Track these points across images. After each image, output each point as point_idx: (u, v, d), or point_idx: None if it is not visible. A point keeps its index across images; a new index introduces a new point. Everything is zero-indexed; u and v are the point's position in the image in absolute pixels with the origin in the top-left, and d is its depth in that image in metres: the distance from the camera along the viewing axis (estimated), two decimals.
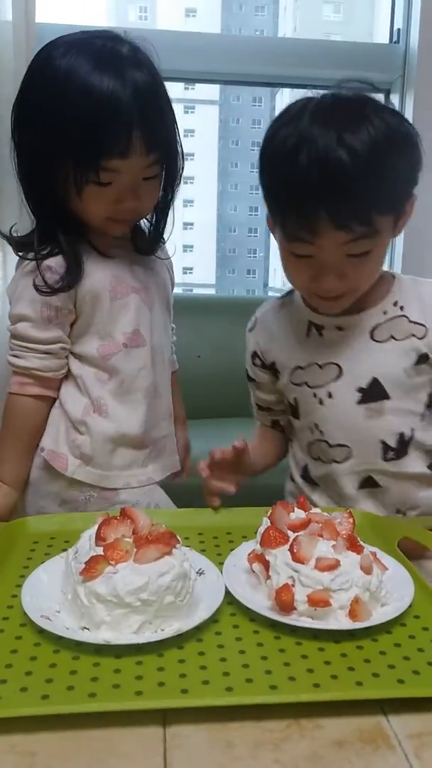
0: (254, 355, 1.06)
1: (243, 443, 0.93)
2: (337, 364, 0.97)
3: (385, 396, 0.95)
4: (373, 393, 0.94)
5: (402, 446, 0.97)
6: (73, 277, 0.95)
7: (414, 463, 0.98)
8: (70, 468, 1.00)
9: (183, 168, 1.00)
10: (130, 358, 1.01)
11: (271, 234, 0.94)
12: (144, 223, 1.07)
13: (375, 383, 0.95)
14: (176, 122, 0.96)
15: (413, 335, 0.94)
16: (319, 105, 0.83)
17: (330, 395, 0.97)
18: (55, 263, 0.95)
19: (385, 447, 0.96)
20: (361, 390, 0.96)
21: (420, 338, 0.94)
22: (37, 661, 0.58)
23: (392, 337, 0.95)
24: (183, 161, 0.99)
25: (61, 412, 1.01)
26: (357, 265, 0.85)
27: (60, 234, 0.96)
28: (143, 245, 1.07)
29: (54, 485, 1.01)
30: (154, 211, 1.05)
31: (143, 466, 1.05)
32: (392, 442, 0.96)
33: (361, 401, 0.96)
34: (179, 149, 0.98)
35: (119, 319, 1.00)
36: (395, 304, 0.95)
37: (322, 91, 0.86)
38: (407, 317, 0.94)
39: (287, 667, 0.58)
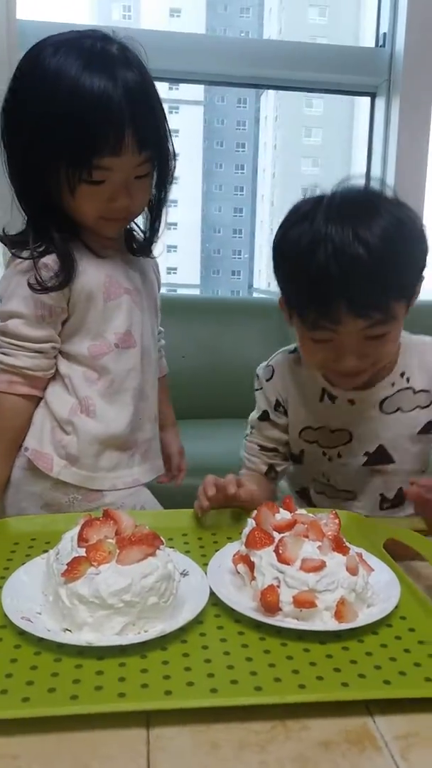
0: (277, 403, 1.08)
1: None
2: (348, 431, 1.02)
3: (389, 460, 1.02)
4: (379, 457, 0.99)
5: (399, 499, 1.03)
6: (67, 275, 0.94)
7: (409, 509, 1.03)
8: (56, 468, 0.98)
9: (175, 167, 0.99)
10: (120, 359, 1.00)
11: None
12: (135, 224, 1.06)
13: (380, 449, 1.02)
14: (167, 121, 0.96)
15: (418, 406, 1.01)
16: (330, 203, 0.87)
17: (339, 455, 1.04)
18: (51, 261, 0.94)
19: (383, 499, 1.02)
20: (367, 454, 1.02)
21: (424, 407, 1.01)
22: (18, 663, 0.57)
23: (399, 409, 1.00)
24: (175, 160, 0.99)
25: (45, 412, 1.00)
26: (375, 345, 0.89)
27: (54, 232, 0.95)
28: (138, 246, 1.06)
29: (37, 486, 1.00)
30: (147, 211, 1.04)
31: (129, 468, 1.04)
32: (390, 495, 1.03)
33: (367, 463, 1.02)
34: (170, 148, 0.97)
35: (112, 320, 0.99)
36: (402, 375, 1.00)
37: (307, 187, 0.92)
38: (413, 388, 1.00)
39: (272, 668, 0.57)
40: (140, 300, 1.04)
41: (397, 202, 0.89)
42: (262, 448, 1.09)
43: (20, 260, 0.95)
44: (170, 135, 0.97)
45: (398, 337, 0.92)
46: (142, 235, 1.07)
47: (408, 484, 0.97)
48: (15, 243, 0.97)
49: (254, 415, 1.10)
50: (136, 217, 1.03)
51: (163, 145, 0.96)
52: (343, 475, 1.04)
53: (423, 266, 0.90)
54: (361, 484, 1.03)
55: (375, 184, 0.94)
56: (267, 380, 1.08)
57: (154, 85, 0.92)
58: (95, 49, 0.88)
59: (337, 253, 0.82)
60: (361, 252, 0.81)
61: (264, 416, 1.08)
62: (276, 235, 0.91)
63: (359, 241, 0.81)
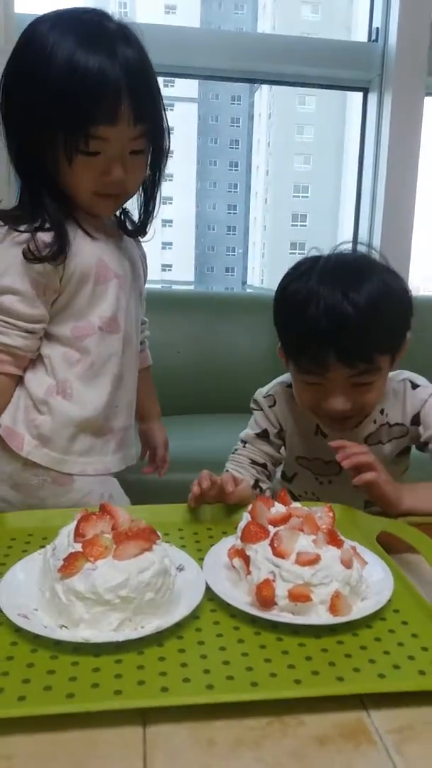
0: (281, 429, 1.12)
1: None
2: (338, 463, 1.06)
3: None
4: None
5: None
6: (61, 247, 0.93)
7: None
8: (26, 448, 0.97)
9: (169, 149, 0.99)
10: (103, 342, 0.99)
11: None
12: (131, 205, 1.06)
13: None
14: (163, 104, 0.96)
15: (394, 437, 1.08)
16: (324, 265, 0.96)
17: (330, 482, 1.12)
18: (48, 237, 0.93)
19: (367, 503, 1.07)
20: None
21: (400, 437, 1.08)
22: (14, 661, 0.56)
23: (380, 442, 1.08)
24: (169, 142, 0.99)
25: (21, 390, 0.98)
26: (361, 392, 0.97)
27: (49, 206, 0.94)
28: (132, 228, 1.06)
29: (8, 466, 0.98)
30: (142, 191, 1.04)
31: (102, 455, 1.03)
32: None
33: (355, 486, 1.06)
34: (165, 129, 0.97)
35: (99, 304, 0.99)
36: (382, 411, 1.07)
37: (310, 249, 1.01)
38: (389, 423, 1.08)
39: (268, 664, 0.57)
40: (127, 286, 1.03)
41: (386, 269, 0.98)
42: (253, 462, 1.12)
43: (17, 233, 0.93)
44: (166, 117, 0.97)
45: (383, 387, 1.00)
46: (136, 217, 1.07)
47: None
48: (9, 218, 0.95)
49: (249, 431, 1.13)
50: (131, 196, 1.02)
51: (158, 123, 0.96)
52: (332, 495, 1.10)
53: (407, 327, 0.99)
54: (348, 499, 1.06)
55: (364, 249, 1.05)
56: (270, 407, 1.12)
57: (151, 65, 0.92)
58: (93, 23, 0.89)
59: (328, 309, 0.90)
60: (349, 310, 0.89)
61: (264, 434, 1.12)
62: (277, 289, 1.00)
63: (348, 301, 0.90)
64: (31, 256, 0.91)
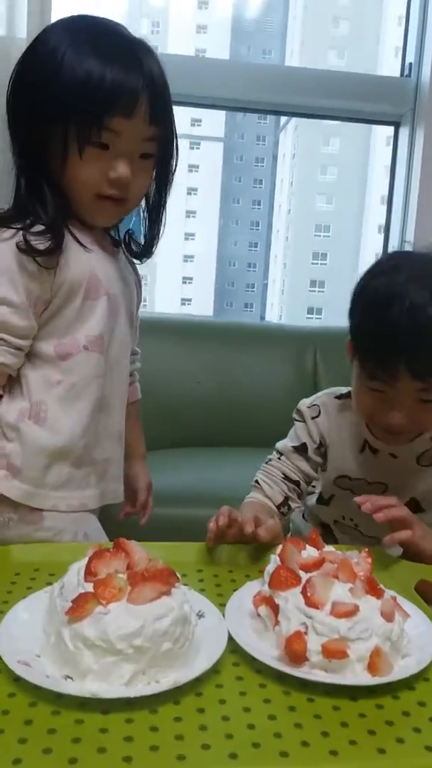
0: (320, 444, 1.06)
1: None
2: (384, 483, 1.02)
3: (419, 510, 1.02)
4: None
5: None
6: (59, 242, 0.89)
7: None
8: None
9: (176, 169, 0.99)
10: (87, 363, 0.94)
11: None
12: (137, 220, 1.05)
13: (413, 500, 1.02)
14: (175, 124, 0.96)
15: None
16: (413, 263, 0.90)
17: None
18: (43, 233, 0.89)
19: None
20: None
21: None
22: (10, 716, 0.50)
23: None
24: (176, 162, 0.98)
25: None
26: (426, 409, 0.89)
27: (49, 204, 0.91)
28: (137, 249, 1.05)
29: None
30: (147, 213, 1.02)
31: (81, 488, 0.95)
32: None
33: None
34: (175, 144, 0.97)
35: (86, 320, 0.94)
36: None
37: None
38: None
39: (299, 730, 0.51)
40: (117, 307, 0.98)
41: None
42: (286, 477, 1.05)
43: (5, 229, 0.89)
44: (176, 137, 0.97)
45: None
46: (145, 238, 1.05)
47: None
48: (2, 219, 0.91)
49: (287, 443, 1.07)
50: (132, 207, 0.99)
51: (170, 132, 0.95)
52: (372, 521, 0.99)
53: None
54: (388, 531, 0.98)
55: None
56: (313, 418, 1.06)
57: (167, 83, 0.92)
58: (111, 27, 0.91)
59: (412, 311, 0.83)
60: None
61: (302, 448, 1.06)
62: (359, 283, 0.94)
63: None
64: (24, 246, 0.87)
